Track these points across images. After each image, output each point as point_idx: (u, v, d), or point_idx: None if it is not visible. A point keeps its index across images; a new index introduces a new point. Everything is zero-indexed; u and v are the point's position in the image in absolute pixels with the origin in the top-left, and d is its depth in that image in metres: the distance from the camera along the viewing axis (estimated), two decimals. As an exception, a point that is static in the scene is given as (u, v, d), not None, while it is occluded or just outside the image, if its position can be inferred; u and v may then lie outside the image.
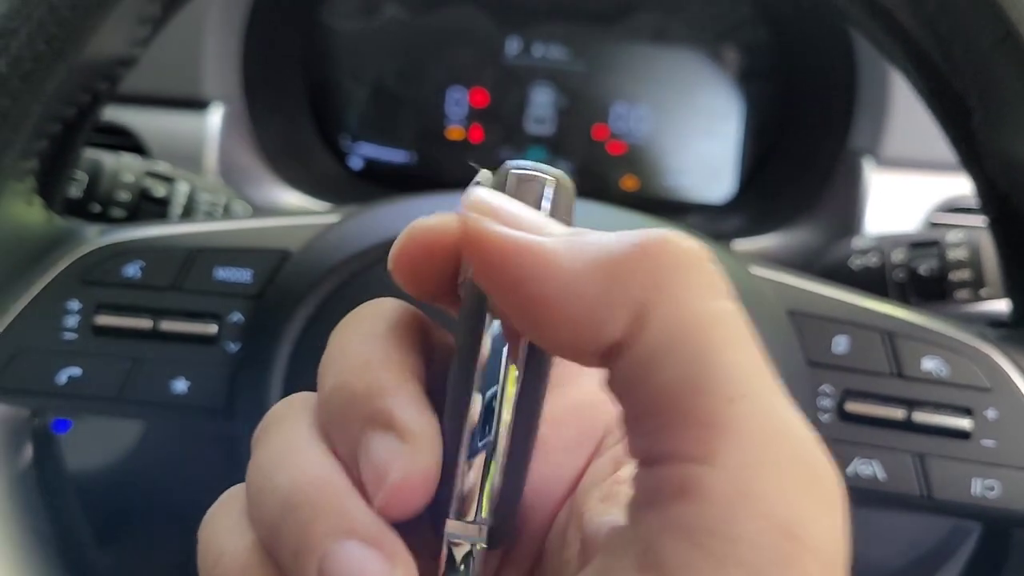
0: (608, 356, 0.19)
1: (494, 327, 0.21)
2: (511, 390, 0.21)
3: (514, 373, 0.21)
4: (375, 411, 0.21)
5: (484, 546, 0.21)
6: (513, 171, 0.22)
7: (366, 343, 0.22)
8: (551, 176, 0.22)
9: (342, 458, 0.21)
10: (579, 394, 0.26)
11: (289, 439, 0.22)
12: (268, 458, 0.22)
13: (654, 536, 0.18)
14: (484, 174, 0.22)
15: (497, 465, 0.21)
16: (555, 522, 0.24)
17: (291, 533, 0.20)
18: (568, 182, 0.22)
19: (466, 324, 0.21)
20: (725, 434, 0.18)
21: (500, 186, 0.22)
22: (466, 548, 0.21)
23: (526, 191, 0.21)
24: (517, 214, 0.20)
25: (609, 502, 0.23)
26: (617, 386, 0.20)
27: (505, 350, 0.22)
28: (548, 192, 0.22)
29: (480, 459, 0.21)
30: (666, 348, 0.19)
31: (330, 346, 0.23)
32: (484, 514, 0.21)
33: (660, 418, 0.19)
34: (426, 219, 0.22)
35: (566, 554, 0.23)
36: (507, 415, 0.21)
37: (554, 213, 0.22)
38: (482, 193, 0.21)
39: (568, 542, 0.23)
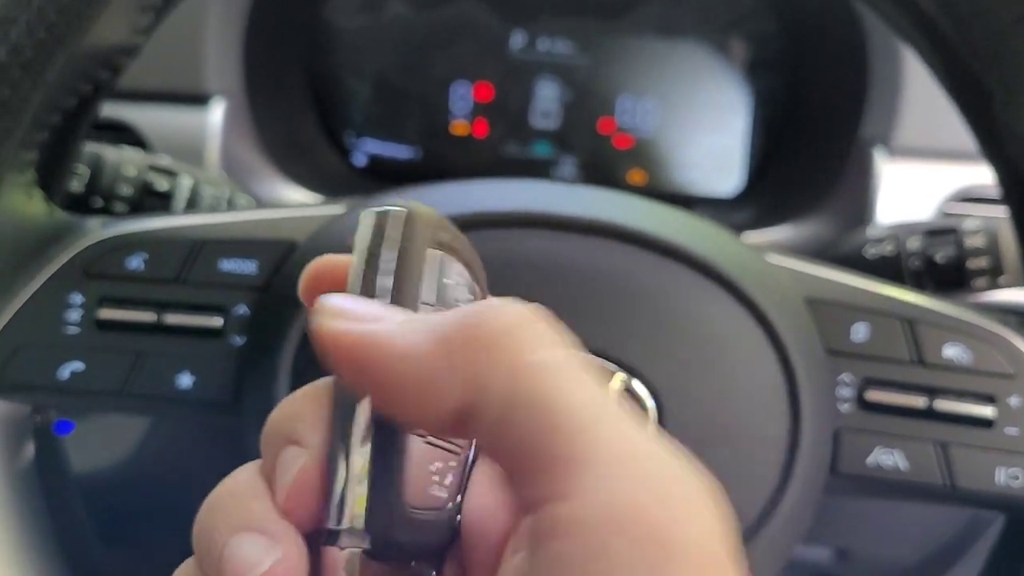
0: (458, 425, 0.21)
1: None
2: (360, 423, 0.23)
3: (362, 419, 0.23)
4: (290, 431, 0.24)
5: (361, 550, 0.22)
6: (370, 211, 0.24)
7: (302, 389, 0.25)
8: (403, 209, 0.24)
9: (266, 475, 0.24)
10: None
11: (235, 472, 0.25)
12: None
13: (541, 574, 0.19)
14: (367, 212, 0.25)
15: (355, 481, 0.23)
16: (504, 557, 0.25)
17: (204, 533, 0.23)
18: (422, 215, 0.24)
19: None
20: (579, 465, 0.19)
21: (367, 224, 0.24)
22: (346, 555, 0.22)
23: (378, 227, 0.24)
24: (355, 310, 0.22)
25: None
26: (485, 450, 0.22)
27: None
28: (393, 230, 0.24)
29: (342, 477, 0.23)
30: (510, 405, 0.20)
31: None
32: (354, 523, 0.22)
33: (522, 469, 0.20)
34: (330, 255, 0.25)
35: None
36: (357, 441, 0.23)
37: (406, 243, 0.24)
38: (329, 299, 0.23)
39: None
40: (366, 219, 0.24)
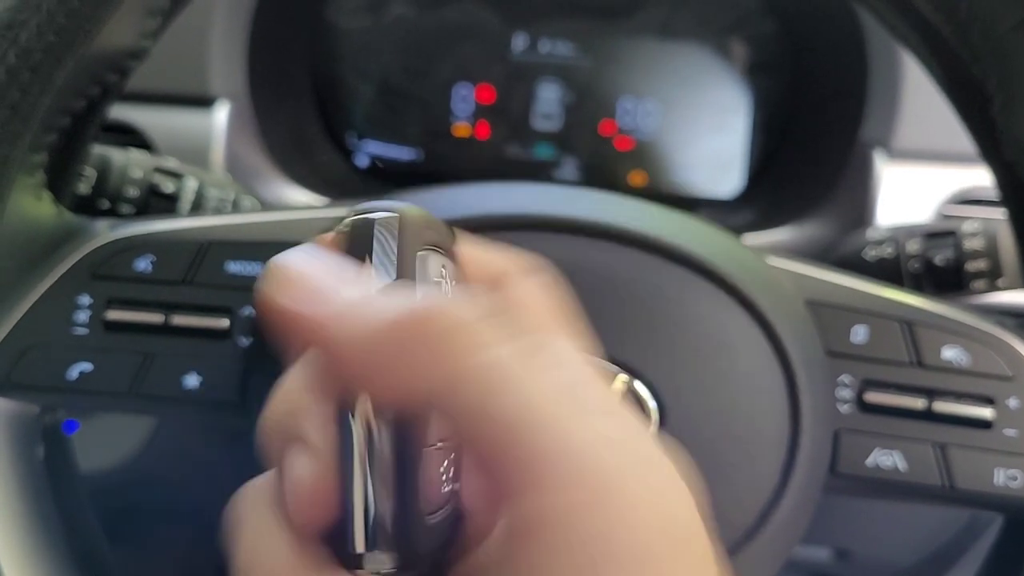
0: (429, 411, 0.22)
1: None
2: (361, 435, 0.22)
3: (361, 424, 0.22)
4: (294, 428, 0.23)
5: (389, 570, 0.22)
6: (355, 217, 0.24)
7: (295, 374, 0.24)
8: (393, 213, 0.24)
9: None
10: None
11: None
12: None
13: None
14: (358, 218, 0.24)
15: (370, 498, 0.22)
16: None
17: None
18: (411, 217, 0.24)
19: None
20: (537, 461, 0.19)
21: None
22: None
23: (361, 235, 0.23)
24: (309, 284, 0.22)
25: None
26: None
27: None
28: (384, 233, 0.23)
29: (362, 500, 0.22)
30: (458, 410, 0.20)
31: None
32: (379, 545, 0.22)
33: (488, 464, 0.21)
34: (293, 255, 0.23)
35: None
36: (361, 457, 0.22)
37: (402, 247, 0.23)
38: (278, 263, 0.22)
39: None
40: (359, 224, 0.24)
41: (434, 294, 0.23)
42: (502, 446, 0.20)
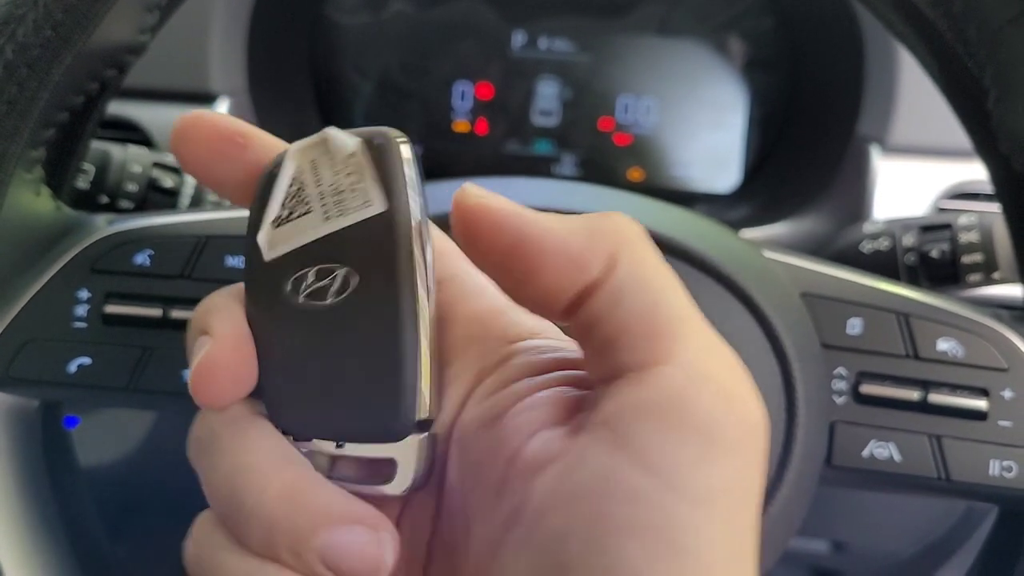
0: (581, 298, 0.24)
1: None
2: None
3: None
4: (205, 325, 0.28)
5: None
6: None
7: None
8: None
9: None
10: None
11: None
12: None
13: (624, 422, 0.23)
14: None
15: (429, 373, 0.25)
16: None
17: (281, 524, 0.24)
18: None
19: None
20: (677, 340, 0.24)
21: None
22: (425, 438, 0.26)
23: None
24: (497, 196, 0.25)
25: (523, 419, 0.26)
26: (584, 323, 0.25)
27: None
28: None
29: (424, 371, 0.25)
30: (631, 284, 0.24)
31: None
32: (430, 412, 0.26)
33: (627, 337, 0.24)
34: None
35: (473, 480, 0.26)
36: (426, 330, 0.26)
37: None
38: (471, 185, 0.26)
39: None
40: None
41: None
42: (659, 320, 0.24)
